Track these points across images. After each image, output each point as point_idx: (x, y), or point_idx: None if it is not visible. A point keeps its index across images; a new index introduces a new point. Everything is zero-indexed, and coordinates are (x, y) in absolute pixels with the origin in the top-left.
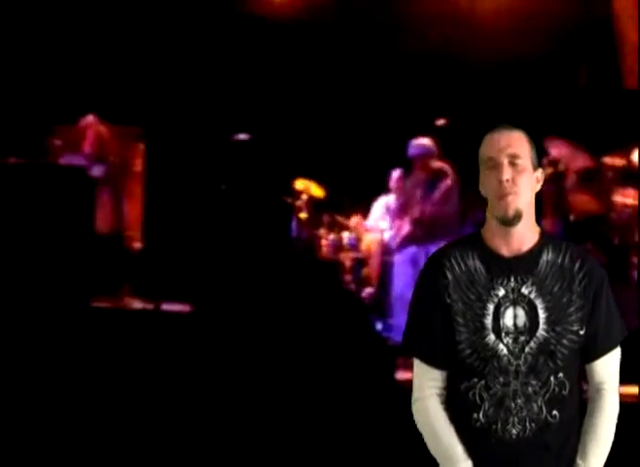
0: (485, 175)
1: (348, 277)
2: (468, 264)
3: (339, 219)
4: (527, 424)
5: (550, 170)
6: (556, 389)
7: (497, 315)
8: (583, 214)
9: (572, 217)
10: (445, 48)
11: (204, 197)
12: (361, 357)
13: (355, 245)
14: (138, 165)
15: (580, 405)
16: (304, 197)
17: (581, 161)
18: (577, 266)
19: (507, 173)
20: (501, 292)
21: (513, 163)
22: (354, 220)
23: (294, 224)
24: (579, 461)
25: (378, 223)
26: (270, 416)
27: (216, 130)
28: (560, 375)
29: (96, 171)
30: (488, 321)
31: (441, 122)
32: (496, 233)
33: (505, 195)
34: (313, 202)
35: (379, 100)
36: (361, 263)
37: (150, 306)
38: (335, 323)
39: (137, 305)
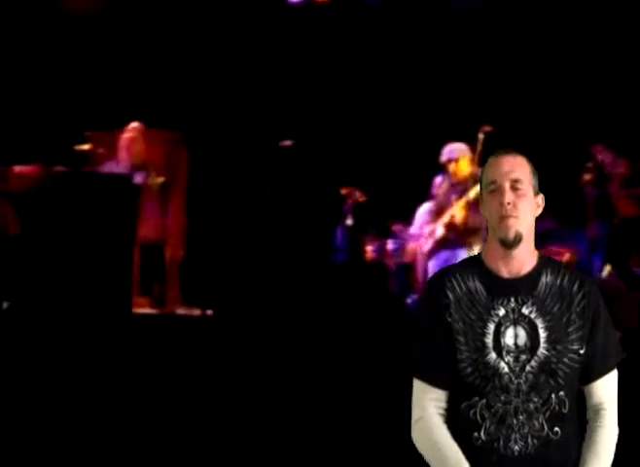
0: (488, 198)
1: (393, 283)
2: (468, 285)
3: (384, 224)
4: (529, 441)
5: (594, 174)
6: (557, 407)
7: (498, 334)
8: (626, 217)
9: (616, 220)
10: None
11: (249, 204)
12: (402, 362)
13: (399, 251)
14: (182, 172)
15: (580, 422)
16: (349, 202)
17: (622, 167)
18: (575, 287)
19: (508, 197)
20: (501, 312)
21: (514, 188)
22: (398, 226)
23: (338, 229)
24: None
25: (423, 229)
26: (312, 424)
27: (260, 136)
28: (561, 393)
29: (137, 179)
30: (489, 340)
31: (486, 128)
32: (497, 255)
33: (506, 217)
34: (358, 208)
35: (425, 105)
36: (406, 269)
37: (196, 313)
38: (378, 328)
39: (182, 311)
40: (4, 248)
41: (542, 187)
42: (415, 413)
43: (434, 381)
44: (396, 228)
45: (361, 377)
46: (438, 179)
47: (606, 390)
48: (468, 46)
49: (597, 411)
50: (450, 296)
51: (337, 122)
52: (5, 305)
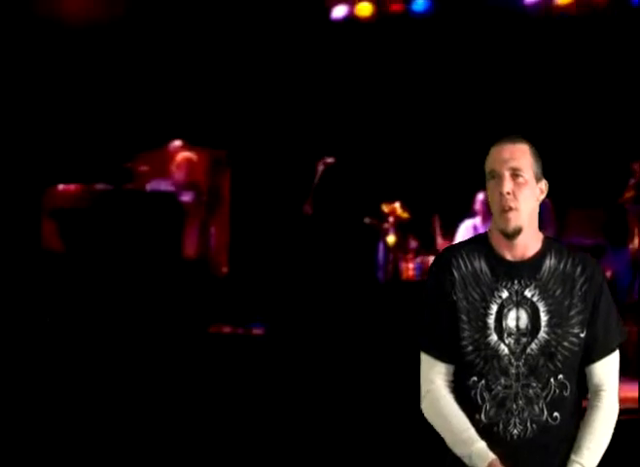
0: (489, 186)
1: None
2: (474, 264)
3: (425, 242)
4: (528, 425)
5: (636, 191)
6: (557, 391)
7: (500, 316)
8: None
9: None
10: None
11: (291, 221)
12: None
13: None
14: (225, 190)
15: (580, 406)
16: (391, 219)
17: None
18: (578, 271)
19: (507, 186)
20: (504, 294)
21: (514, 176)
22: (440, 242)
23: (380, 247)
24: (572, 456)
25: None
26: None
27: (302, 153)
28: (560, 376)
29: (185, 197)
30: (491, 321)
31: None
32: (500, 240)
33: (506, 210)
34: (400, 225)
35: (467, 121)
36: None
37: (240, 331)
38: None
39: (226, 329)
40: (49, 266)
41: (588, 204)
42: (424, 387)
43: (439, 356)
44: (438, 243)
45: (401, 391)
46: (481, 196)
47: (606, 371)
48: (519, 67)
49: (597, 391)
50: (456, 274)
51: (379, 139)
52: (49, 320)
